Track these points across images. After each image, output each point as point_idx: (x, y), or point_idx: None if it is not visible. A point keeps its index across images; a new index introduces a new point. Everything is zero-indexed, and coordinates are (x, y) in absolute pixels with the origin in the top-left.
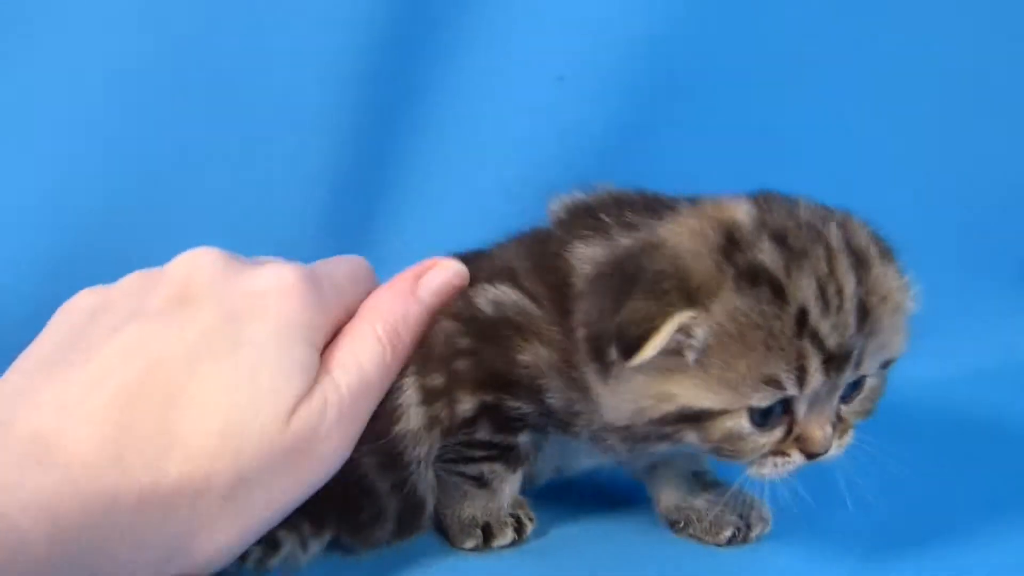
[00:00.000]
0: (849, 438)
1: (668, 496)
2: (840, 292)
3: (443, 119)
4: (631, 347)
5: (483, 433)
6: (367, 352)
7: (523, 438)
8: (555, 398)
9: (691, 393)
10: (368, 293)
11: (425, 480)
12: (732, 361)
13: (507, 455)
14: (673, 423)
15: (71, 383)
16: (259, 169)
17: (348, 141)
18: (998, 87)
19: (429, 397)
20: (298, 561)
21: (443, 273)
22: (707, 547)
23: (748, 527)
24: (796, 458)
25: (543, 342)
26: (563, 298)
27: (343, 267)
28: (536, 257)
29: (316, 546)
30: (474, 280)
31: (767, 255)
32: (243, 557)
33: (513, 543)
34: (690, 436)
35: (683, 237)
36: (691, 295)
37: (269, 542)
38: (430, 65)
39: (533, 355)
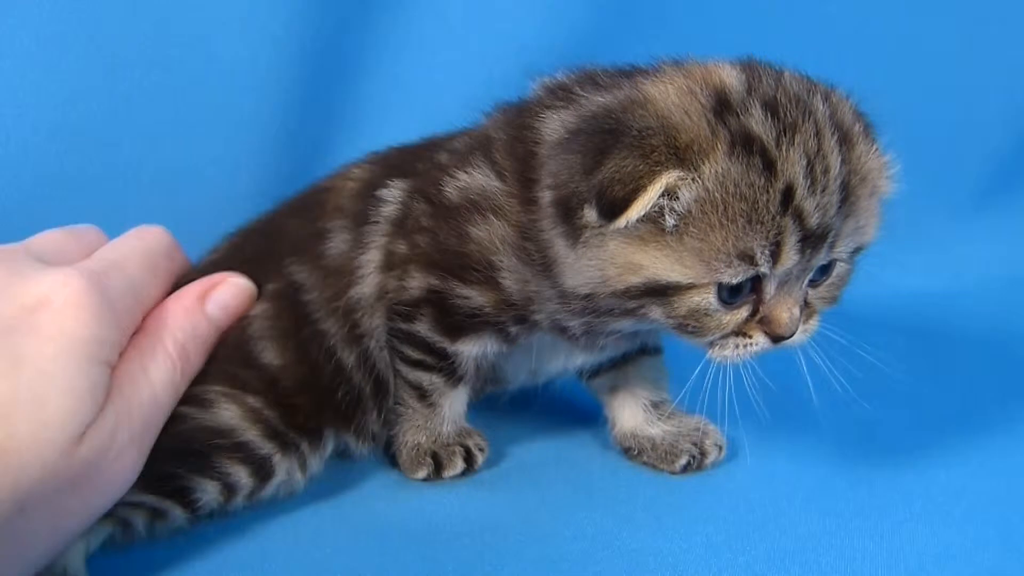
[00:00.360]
0: (815, 324)
1: (625, 422)
2: (827, 171)
3: (399, 41)
4: (615, 207)
5: (423, 326)
6: (158, 371)
7: (465, 347)
8: (508, 278)
9: (660, 265)
10: (175, 270)
11: (383, 359)
12: (709, 232)
13: (445, 366)
14: (638, 296)
15: None
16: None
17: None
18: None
19: (388, 263)
20: (296, 483)
21: (231, 289)
22: (660, 474)
23: (703, 454)
24: (760, 340)
25: (499, 215)
26: (526, 168)
27: (137, 255)
28: (510, 128)
29: (316, 463)
30: (459, 152)
31: (759, 124)
32: (231, 491)
33: (464, 473)
34: (654, 311)
35: (670, 94)
36: (680, 153)
37: (260, 473)
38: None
39: (486, 230)
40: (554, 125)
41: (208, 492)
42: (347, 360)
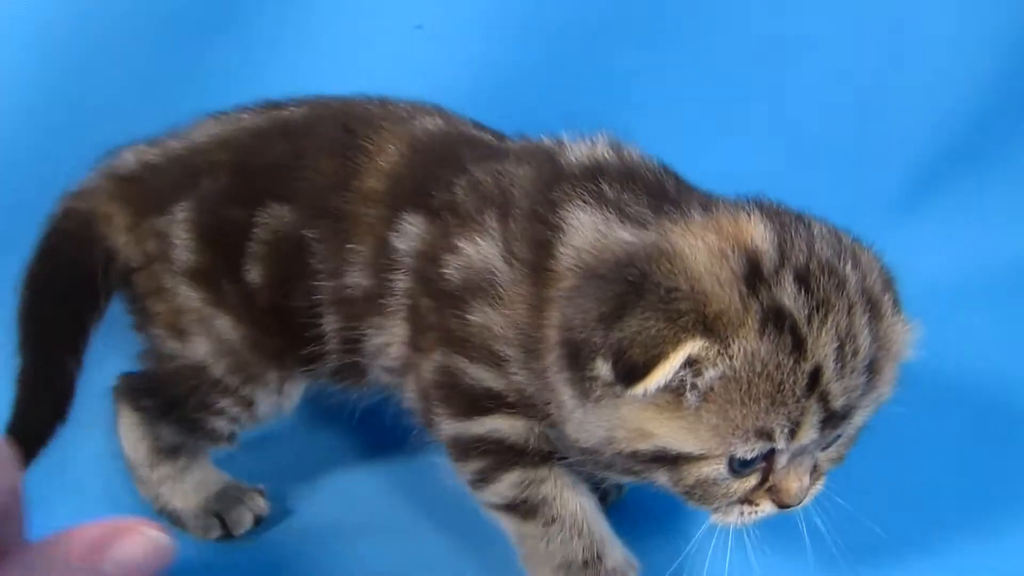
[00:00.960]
0: (820, 486)
1: None
2: (856, 352)
3: (300, 69)
4: (634, 371)
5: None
6: None
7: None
8: (518, 373)
9: (674, 436)
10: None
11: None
12: (729, 408)
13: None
14: (645, 461)
15: None
16: None
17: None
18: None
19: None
20: (284, 406)
21: (139, 547)
22: None
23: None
24: (766, 507)
25: (500, 305)
26: (540, 263)
27: None
28: (534, 199)
29: (295, 391)
30: (474, 201)
31: (791, 299)
32: (234, 419)
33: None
34: (661, 477)
35: (700, 253)
36: (709, 324)
37: (242, 402)
38: (282, 14)
39: (484, 317)
40: (578, 227)
41: (220, 423)
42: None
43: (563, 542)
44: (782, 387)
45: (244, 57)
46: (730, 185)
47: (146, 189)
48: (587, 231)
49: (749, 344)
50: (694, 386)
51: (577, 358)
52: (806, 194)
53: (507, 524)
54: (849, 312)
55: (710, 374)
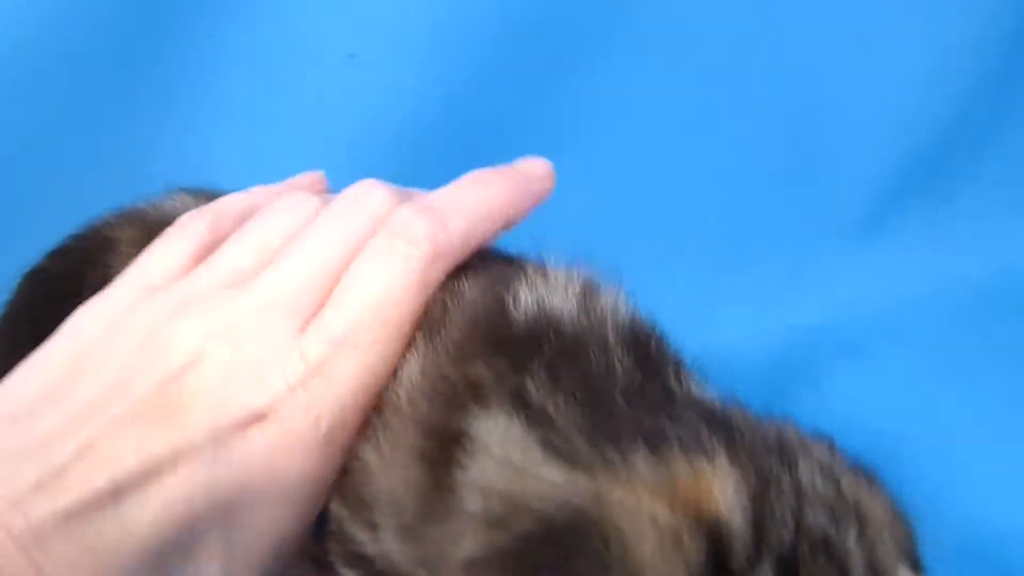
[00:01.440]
0: None
1: None
2: None
3: (232, 99)
4: None
5: None
6: None
7: None
8: (388, 542)
9: None
10: None
11: None
12: None
13: None
14: None
15: None
16: None
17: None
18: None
19: None
20: None
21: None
22: None
23: None
24: None
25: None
26: (437, 482)
27: None
28: (455, 363)
29: None
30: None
31: None
32: None
33: None
34: None
35: (646, 533)
36: None
37: None
38: (216, 43)
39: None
40: (491, 442)
41: None
42: None
43: None
44: None
45: (175, 87)
46: (687, 211)
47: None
48: (498, 462)
49: None
50: None
51: None
52: (765, 216)
53: None
54: None
55: None
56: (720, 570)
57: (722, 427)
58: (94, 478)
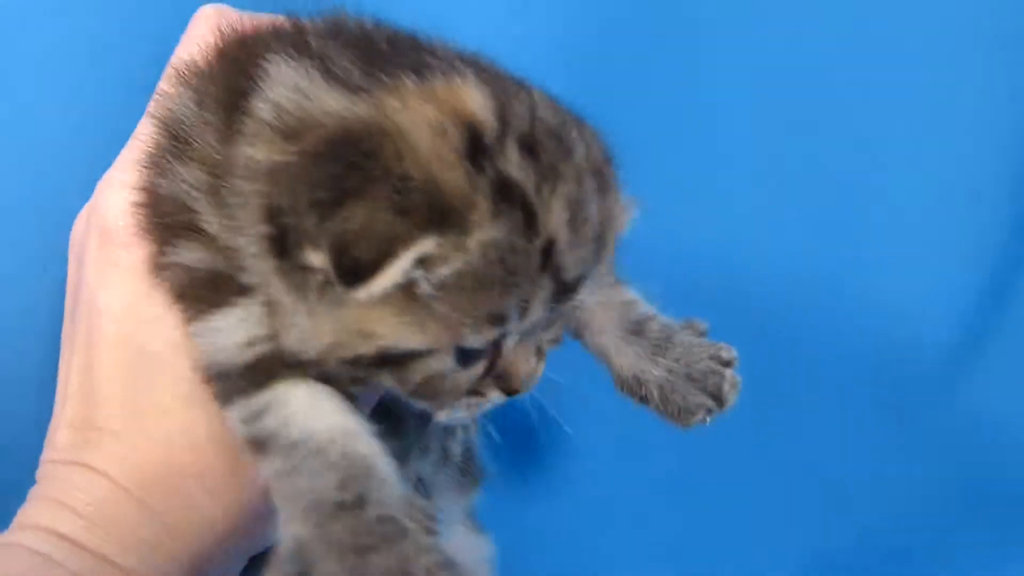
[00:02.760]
0: (542, 367)
1: (622, 363)
2: (587, 221)
3: None
4: (358, 270)
5: None
6: None
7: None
8: (211, 223)
9: (398, 334)
10: None
11: None
12: (459, 297)
13: None
14: (367, 366)
15: None
16: None
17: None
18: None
19: None
20: None
21: None
22: None
23: (721, 403)
24: (493, 397)
25: (190, 160)
26: (232, 115)
27: None
28: (239, 48)
29: None
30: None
31: (517, 168)
32: None
33: None
34: (385, 380)
35: (422, 131)
36: (442, 215)
37: None
38: None
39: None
40: (279, 82)
41: None
42: None
43: (310, 474)
44: (516, 268)
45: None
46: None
47: None
48: (287, 86)
49: (483, 232)
50: (424, 283)
51: (286, 245)
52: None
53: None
54: (578, 180)
55: (442, 271)
56: (476, 146)
57: (471, 62)
58: None
